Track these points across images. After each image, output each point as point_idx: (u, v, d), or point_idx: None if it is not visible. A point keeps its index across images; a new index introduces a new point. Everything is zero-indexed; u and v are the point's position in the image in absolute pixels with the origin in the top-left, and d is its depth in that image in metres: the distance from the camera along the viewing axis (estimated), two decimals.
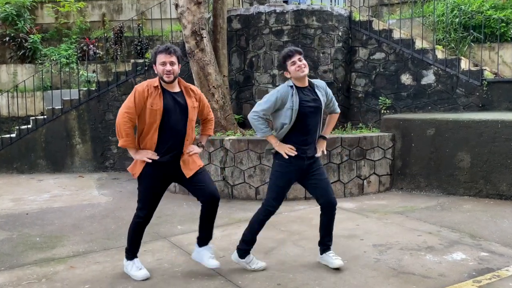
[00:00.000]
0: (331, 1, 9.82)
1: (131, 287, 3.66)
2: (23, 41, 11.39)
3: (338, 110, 4.08)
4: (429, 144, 6.77)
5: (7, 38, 11.44)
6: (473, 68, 7.98)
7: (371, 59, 8.67)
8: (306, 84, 3.81)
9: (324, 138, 3.97)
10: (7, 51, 11.80)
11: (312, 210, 5.87)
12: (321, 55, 8.44)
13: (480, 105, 7.72)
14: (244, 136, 7.14)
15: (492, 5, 8.93)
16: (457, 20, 8.82)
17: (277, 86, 8.18)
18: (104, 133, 9.33)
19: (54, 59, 10.99)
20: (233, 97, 8.74)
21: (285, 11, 8.36)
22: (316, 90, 3.83)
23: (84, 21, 12.30)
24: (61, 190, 7.56)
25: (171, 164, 3.68)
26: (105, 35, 11.24)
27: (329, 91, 3.94)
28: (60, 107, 9.35)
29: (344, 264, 3.92)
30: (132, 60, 9.77)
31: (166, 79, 3.60)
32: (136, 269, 3.79)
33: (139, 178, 3.72)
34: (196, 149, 3.81)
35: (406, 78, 8.37)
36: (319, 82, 3.91)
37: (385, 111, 8.46)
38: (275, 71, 8.40)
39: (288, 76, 3.79)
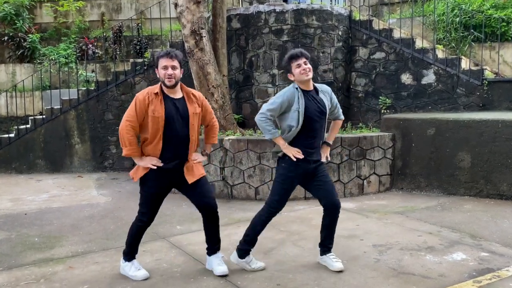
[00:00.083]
0: (331, 1, 9.81)
1: (130, 287, 3.64)
2: (22, 40, 11.36)
3: (342, 117, 4.10)
4: (429, 144, 6.75)
5: (6, 38, 11.41)
6: (473, 68, 7.96)
7: (371, 59, 8.65)
8: (311, 88, 3.80)
9: (328, 144, 3.97)
10: (6, 50, 11.77)
11: (312, 210, 5.86)
12: (321, 54, 8.42)
13: (481, 104, 7.70)
14: (244, 136, 7.12)
15: (493, 4, 8.91)
16: (457, 19, 8.80)
17: (277, 85, 8.36)
18: (103, 133, 9.31)
19: (53, 58, 10.96)
20: (233, 96, 8.72)
21: (284, 11, 8.34)
22: (321, 95, 3.82)
23: (83, 20, 12.27)
24: (60, 190, 7.54)
25: (176, 171, 3.67)
26: (104, 34, 11.21)
27: (334, 97, 3.94)
28: (59, 107, 9.32)
29: (344, 264, 3.91)
30: (131, 60, 9.75)
31: (167, 83, 3.59)
32: (135, 269, 3.79)
33: (142, 182, 3.72)
34: (200, 157, 3.81)
35: (406, 78, 8.35)
36: (324, 87, 3.90)
37: (385, 111, 8.44)
38: (275, 71, 8.38)
39: (292, 78, 3.78)
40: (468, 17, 8.70)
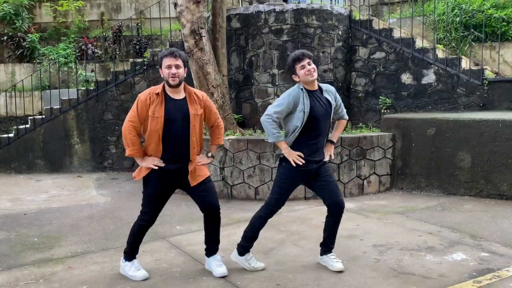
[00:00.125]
0: (331, 0, 9.79)
1: (129, 287, 3.63)
2: (21, 40, 11.35)
3: (346, 117, 4.11)
4: (429, 144, 6.74)
5: (5, 37, 11.41)
6: (473, 68, 7.95)
7: (371, 59, 8.64)
8: (316, 87, 3.81)
9: (332, 142, 3.98)
10: (5, 50, 11.76)
11: (312, 210, 5.85)
12: (321, 54, 8.41)
13: (481, 104, 7.69)
14: (244, 135, 7.11)
15: (493, 4, 8.91)
16: (457, 19, 8.79)
17: (277, 85, 8.34)
18: (103, 133, 9.30)
19: (53, 58, 10.95)
20: (233, 96, 8.71)
21: (284, 10, 8.33)
22: (326, 94, 3.82)
23: (83, 20, 12.26)
24: (60, 190, 7.53)
25: (178, 172, 3.67)
26: (104, 34, 11.20)
27: (338, 97, 3.96)
28: (58, 106, 9.31)
29: (344, 264, 3.90)
30: (131, 60, 9.73)
31: (171, 82, 3.59)
32: (135, 269, 3.78)
33: (145, 182, 3.72)
34: (205, 159, 3.80)
35: (406, 78, 8.34)
36: (328, 87, 3.91)
37: (385, 111, 8.43)
38: (275, 71, 8.37)
39: (297, 79, 3.77)
40: (469, 16, 8.69)
